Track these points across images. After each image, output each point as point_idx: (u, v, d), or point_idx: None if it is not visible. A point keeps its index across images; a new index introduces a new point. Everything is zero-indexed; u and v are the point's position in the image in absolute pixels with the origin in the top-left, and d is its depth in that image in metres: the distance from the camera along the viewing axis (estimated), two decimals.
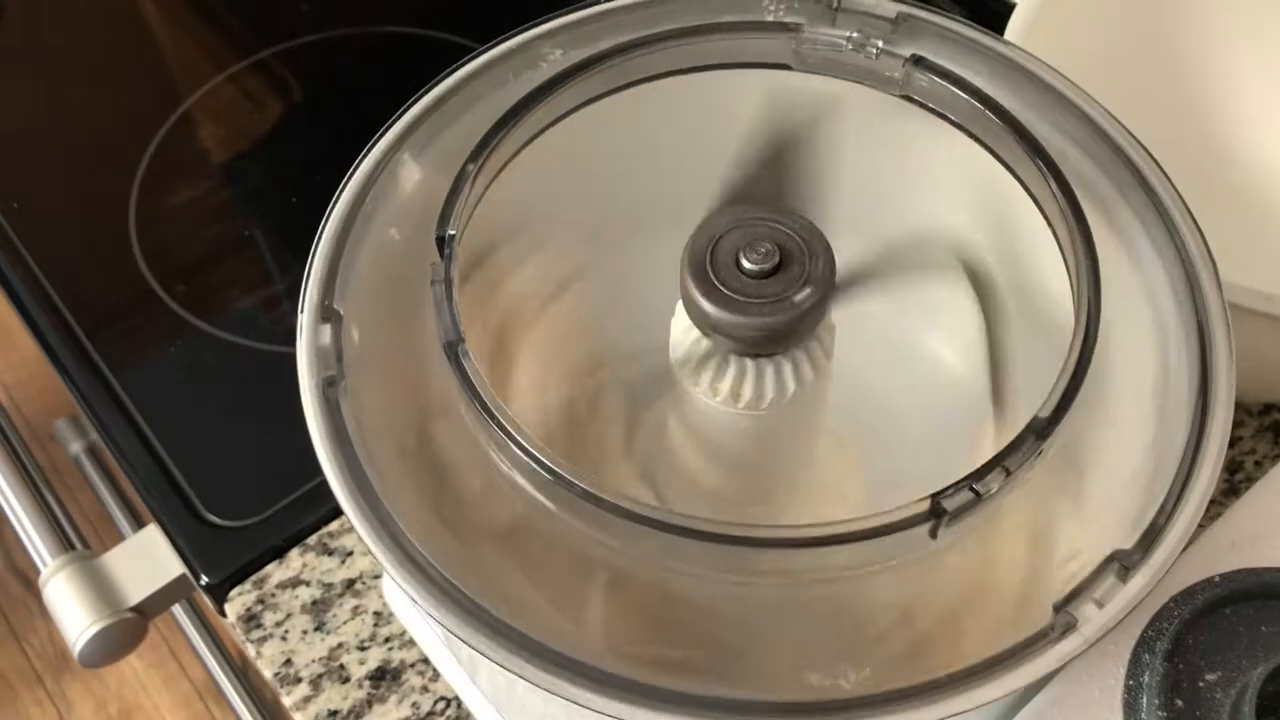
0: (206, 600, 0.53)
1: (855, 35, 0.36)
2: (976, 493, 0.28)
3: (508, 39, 0.37)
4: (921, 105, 0.36)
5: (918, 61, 0.35)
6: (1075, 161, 0.35)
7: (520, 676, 0.28)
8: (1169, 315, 0.33)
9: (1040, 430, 0.29)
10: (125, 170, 0.67)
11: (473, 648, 0.28)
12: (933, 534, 0.28)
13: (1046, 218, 0.34)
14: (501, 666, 0.28)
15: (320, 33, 0.73)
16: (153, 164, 0.68)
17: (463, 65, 0.37)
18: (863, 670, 0.27)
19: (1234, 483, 0.49)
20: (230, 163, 0.70)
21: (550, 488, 0.29)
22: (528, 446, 0.29)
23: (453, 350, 0.30)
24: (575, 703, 0.27)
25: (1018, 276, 0.37)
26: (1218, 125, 0.54)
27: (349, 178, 0.35)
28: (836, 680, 0.27)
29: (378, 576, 0.51)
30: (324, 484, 0.53)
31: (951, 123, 0.36)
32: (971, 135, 0.35)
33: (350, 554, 0.52)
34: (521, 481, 0.30)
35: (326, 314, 0.33)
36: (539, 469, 0.29)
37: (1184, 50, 0.53)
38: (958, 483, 0.28)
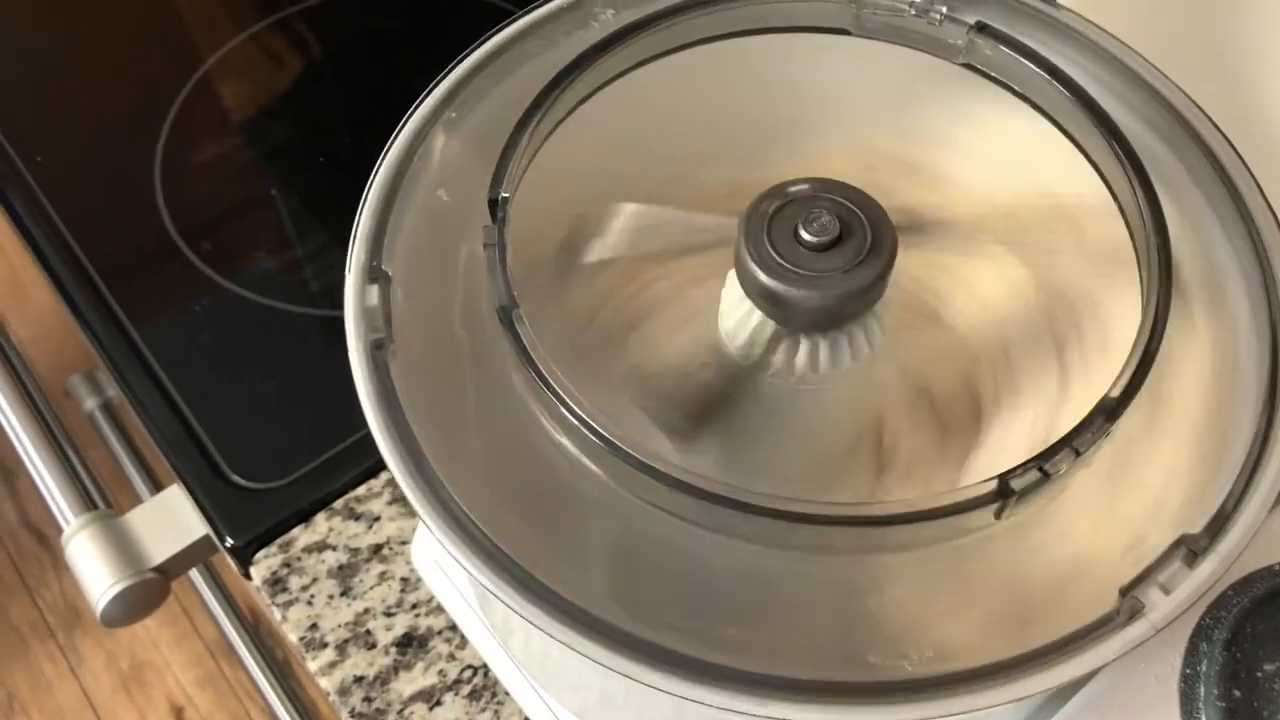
0: (223, 559, 0.53)
1: (918, 1, 0.35)
2: (1045, 472, 0.27)
3: None
4: (984, 74, 0.35)
5: (982, 29, 0.34)
6: (1141, 137, 0.34)
7: (565, 643, 0.27)
8: (1238, 298, 0.32)
9: (1110, 411, 0.28)
10: (151, 126, 0.67)
11: (524, 618, 0.28)
12: (998, 514, 0.27)
13: (1114, 195, 0.33)
14: (553, 637, 0.27)
15: None
16: (178, 120, 0.67)
17: (511, 23, 0.36)
18: (925, 651, 0.27)
19: None
20: (255, 120, 0.69)
21: (604, 457, 0.28)
22: (583, 415, 0.28)
23: (506, 315, 0.30)
24: (626, 676, 0.27)
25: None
26: (1276, 96, 0.53)
27: (396, 135, 0.34)
28: (899, 661, 0.26)
29: (405, 542, 0.51)
30: (351, 448, 0.53)
31: (1015, 93, 0.35)
32: (1036, 107, 0.34)
33: (377, 519, 0.51)
34: (573, 449, 0.29)
35: (374, 274, 0.32)
36: (594, 438, 0.28)
37: (1243, 19, 0.52)
38: (1026, 462, 0.27)
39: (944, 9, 0.35)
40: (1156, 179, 0.32)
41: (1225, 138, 0.34)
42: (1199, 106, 0.34)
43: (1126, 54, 0.35)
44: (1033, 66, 0.34)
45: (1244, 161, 0.33)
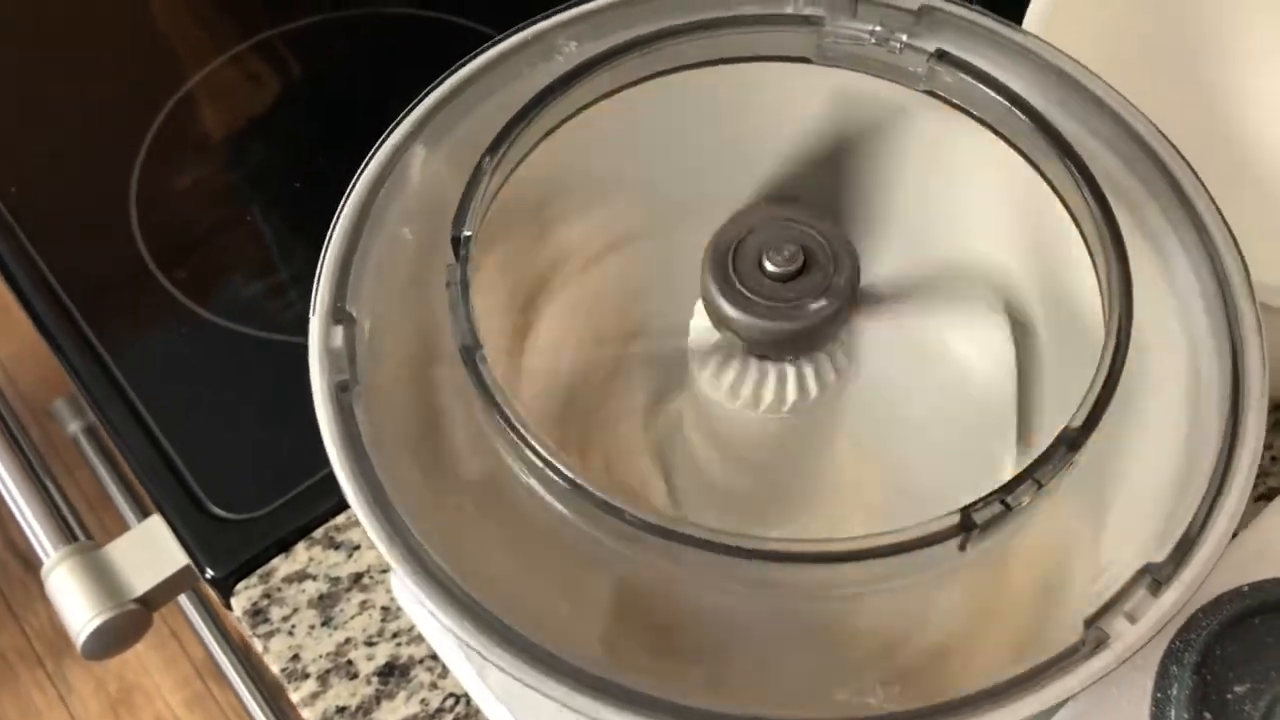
0: (211, 590, 0.53)
1: (878, 29, 0.35)
2: (1007, 505, 0.27)
3: (521, 30, 0.37)
4: (946, 101, 0.35)
5: (941, 56, 0.35)
6: (1103, 161, 0.34)
7: (533, 688, 0.27)
8: (1199, 321, 0.32)
9: (1072, 441, 0.28)
10: (126, 152, 0.66)
11: (487, 658, 0.28)
12: (962, 547, 0.28)
13: (1075, 219, 0.33)
14: (515, 678, 0.27)
15: (324, 14, 0.72)
16: (154, 146, 0.67)
17: (476, 57, 0.36)
18: (891, 687, 0.27)
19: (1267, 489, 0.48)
20: (233, 145, 0.69)
21: (566, 495, 0.28)
22: (544, 454, 0.28)
23: (469, 355, 0.30)
24: (586, 715, 0.27)
25: (1054, 292, 0.36)
26: (1236, 121, 0.53)
27: (360, 173, 0.34)
28: (864, 697, 0.27)
29: (385, 571, 0.50)
30: (329, 478, 0.52)
31: (976, 119, 0.35)
32: (997, 133, 0.34)
33: (357, 548, 0.51)
34: (537, 488, 0.29)
35: (339, 315, 0.32)
36: (555, 476, 0.28)
37: (1202, 43, 0.52)
38: (988, 495, 0.27)
39: (904, 37, 0.35)
40: (1117, 203, 0.32)
41: (1186, 161, 0.34)
42: (1159, 130, 0.34)
43: (1087, 78, 0.35)
44: (991, 92, 0.34)
45: (1204, 185, 0.34)
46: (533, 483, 0.29)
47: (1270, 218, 0.50)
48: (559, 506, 0.29)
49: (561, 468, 0.28)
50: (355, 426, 0.30)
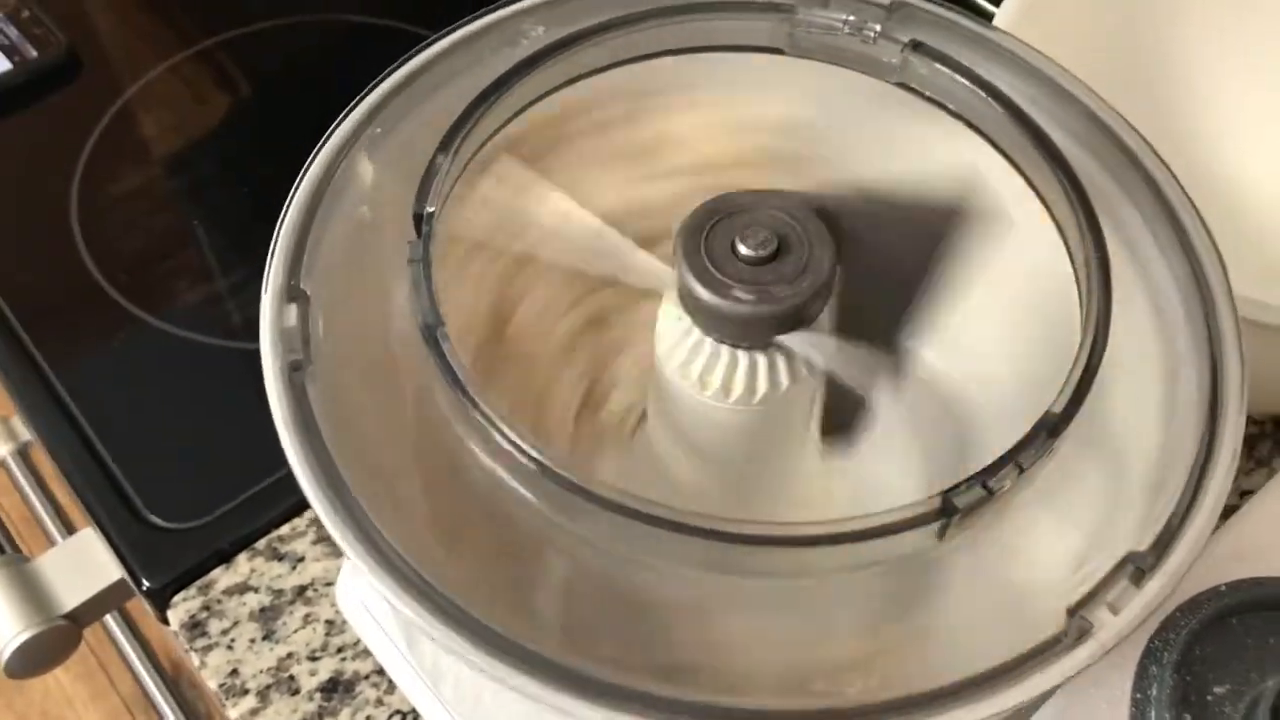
0: (142, 608, 0.50)
1: (851, 19, 0.35)
2: (989, 489, 0.26)
3: (486, 13, 0.36)
4: (918, 94, 0.35)
5: (916, 47, 0.34)
6: (1076, 157, 0.34)
7: (498, 680, 0.26)
8: (1176, 314, 0.32)
9: (1052, 427, 0.27)
10: (67, 160, 0.65)
11: (445, 647, 0.26)
12: (941, 533, 0.27)
13: (1050, 211, 0.32)
14: (476, 668, 0.26)
15: (270, 20, 0.71)
16: (95, 153, 0.65)
17: (439, 40, 0.35)
18: (869, 677, 0.26)
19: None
20: (177, 153, 0.68)
21: (536, 481, 0.27)
22: (508, 434, 0.27)
23: (430, 334, 0.28)
24: (548, 705, 0.25)
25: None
26: (1193, 136, 0.54)
27: (318, 151, 0.33)
28: (842, 687, 0.25)
29: (330, 583, 0.49)
30: (274, 486, 0.51)
31: (950, 112, 0.34)
32: (971, 126, 0.34)
33: (301, 559, 0.49)
34: (503, 474, 0.28)
35: (292, 294, 0.30)
36: (520, 457, 0.27)
37: (1163, 58, 0.53)
38: (968, 479, 0.26)
39: (878, 27, 0.35)
40: (1092, 197, 0.32)
41: (1160, 158, 0.34)
42: (1133, 126, 0.34)
43: (1060, 74, 0.35)
44: (969, 85, 0.33)
45: (1178, 181, 0.33)
46: (495, 466, 0.28)
47: (1236, 224, 0.50)
48: (522, 490, 0.28)
49: (526, 448, 0.27)
50: (308, 408, 0.29)
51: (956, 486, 0.26)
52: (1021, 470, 0.27)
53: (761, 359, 0.32)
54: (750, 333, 0.31)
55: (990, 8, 0.51)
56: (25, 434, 0.90)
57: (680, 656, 0.27)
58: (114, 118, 0.67)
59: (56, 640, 0.52)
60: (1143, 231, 0.33)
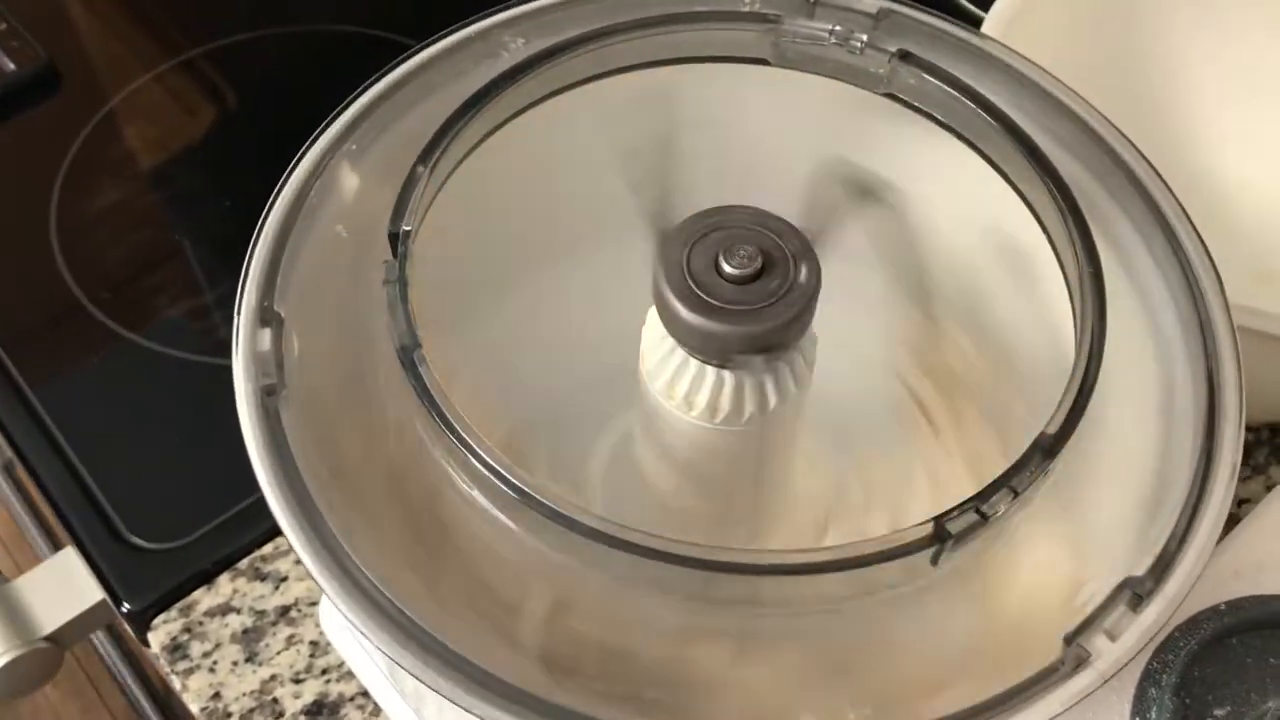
0: (128, 628, 0.49)
1: (838, 29, 0.34)
2: (983, 515, 0.26)
3: (466, 25, 0.35)
4: (908, 105, 0.34)
5: (904, 57, 0.33)
6: (1067, 167, 0.33)
7: (471, 712, 0.25)
8: (1171, 329, 0.31)
9: (1047, 448, 0.27)
10: (46, 174, 0.64)
11: (422, 681, 0.25)
12: (935, 560, 0.26)
13: (1043, 226, 0.32)
14: (456, 704, 0.25)
15: (255, 30, 0.70)
16: (75, 167, 0.64)
17: (418, 52, 0.35)
18: (862, 709, 0.25)
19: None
20: (159, 167, 0.67)
21: (516, 509, 0.26)
22: (489, 460, 0.26)
23: (407, 356, 0.28)
24: None
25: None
26: (1184, 140, 0.53)
27: (293, 168, 0.32)
28: None
29: (314, 604, 0.48)
30: (257, 504, 0.50)
31: (939, 123, 0.34)
32: (961, 137, 0.33)
33: (285, 579, 0.48)
34: (484, 502, 0.27)
35: (266, 317, 0.30)
36: (502, 485, 0.26)
37: (1153, 64, 0.52)
38: (962, 504, 0.26)
39: (864, 37, 0.34)
40: (1085, 209, 0.31)
41: (1151, 165, 0.33)
42: (1124, 135, 0.33)
43: (1050, 83, 0.34)
44: (958, 95, 0.32)
45: (1171, 191, 0.33)
46: (474, 493, 0.27)
47: (1229, 229, 0.50)
48: (502, 518, 0.27)
49: (506, 474, 0.26)
50: (282, 433, 0.28)
51: (950, 512, 0.26)
52: (1016, 494, 0.26)
53: (748, 378, 0.31)
54: (735, 353, 0.30)
55: (979, 13, 0.51)
56: (8, 450, 0.90)
57: (665, 689, 0.26)
58: (94, 130, 0.66)
59: (38, 662, 0.51)
60: (1135, 241, 0.33)
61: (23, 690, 0.53)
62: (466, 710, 0.25)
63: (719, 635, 0.26)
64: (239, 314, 0.30)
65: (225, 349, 0.55)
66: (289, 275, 0.31)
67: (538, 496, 0.26)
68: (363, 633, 0.26)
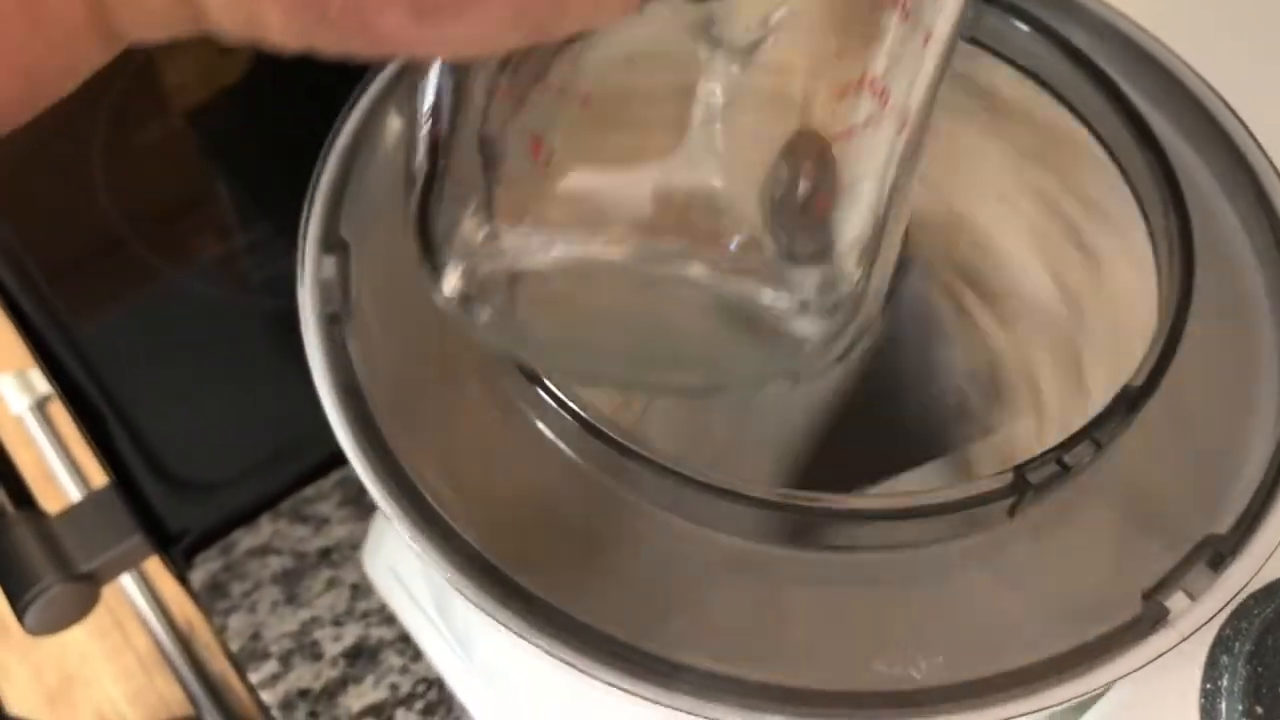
0: (155, 566, 0.49)
1: None
2: (1064, 465, 0.25)
3: None
4: (990, 50, 0.33)
5: (989, 0, 0.32)
6: (1154, 120, 0.32)
7: (545, 650, 0.24)
8: (1256, 289, 0.30)
9: (1132, 400, 0.26)
10: (89, 111, 0.63)
11: (483, 610, 0.25)
12: (1012, 511, 0.25)
13: (1126, 175, 0.31)
14: (523, 638, 0.25)
15: None
16: (118, 104, 0.64)
17: None
18: (935, 658, 0.24)
19: None
20: (202, 105, 0.66)
21: (589, 446, 0.26)
22: (567, 402, 0.26)
23: None
24: (610, 685, 0.24)
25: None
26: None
27: (358, 94, 0.31)
28: (906, 669, 0.24)
29: (355, 547, 0.47)
30: (298, 445, 0.50)
31: (1021, 69, 0.33)
32: (1045, 85, 0.32)
33: (326, 522, 0.48)
34: (547, 432, 0.27)
35: (331, 243, 0.29)
36: (569, 418, 0.26)
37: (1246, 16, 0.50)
38: (1043, 453, 0.25)
39: None
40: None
41: (1243, 123, 0.32)
42: (1214, 89, 0.32)
43: (1137, 32, 0.33)
44: (1045, 40, 0.32)
45: (1262, 148, 0.32)
46: (540, 424, 0.27)
47: None
48: (570, 452, 0.27)
49: (589, 419, 0.25)
50: (348, 361, 0.28)
51: (1030, 461, 0.25)
52: (1099, 446, 0.25)
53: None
54: None
55: None
56: (43, 388, 0.90)
57: (737, 631, 0.25)
58: (137, 70, 0.66)
59: (75, 598, 0.51)
60: (1222, 200, 0.32)
61: (57, 626, 0.53)
62: (533, 644, 0.24)
63: (792, 578, 0.26)
64: (303, 240, 0.29)
65: (265, 289, 0.55)
66: (352, 205, 0.30)
67: (605, 430, 0.25)
68: (427, 561, 0.25)
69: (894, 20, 0.21)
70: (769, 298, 0.23)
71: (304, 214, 0.30)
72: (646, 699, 0.23)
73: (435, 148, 0.23)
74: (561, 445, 0.27)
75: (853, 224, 0.23)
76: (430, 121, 0.23)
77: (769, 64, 0.22)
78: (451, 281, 0.24)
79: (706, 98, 0.22)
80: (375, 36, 0.17)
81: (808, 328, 0.24)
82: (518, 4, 0.17)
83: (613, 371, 0.26)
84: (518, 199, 0.23)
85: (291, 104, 0.64)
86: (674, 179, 0.22)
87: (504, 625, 0.25)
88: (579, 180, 0.23)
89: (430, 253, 0.24)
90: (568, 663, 0.24)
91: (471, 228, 0.23)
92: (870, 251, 0.23)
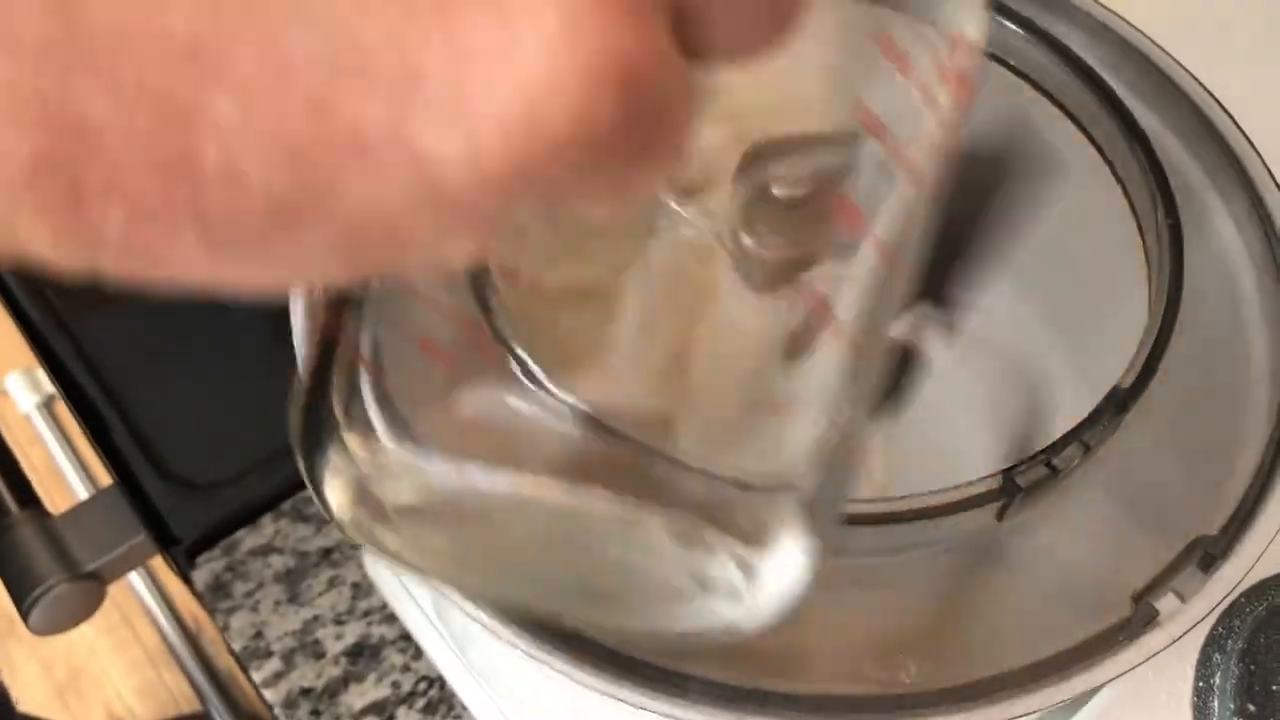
0: (164, 564, 0.50)
1: None
2: (1053, 467, 0.25)
3: None
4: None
5: None
6: (1146, 120, 0.32)
7: (545, 663, 0.25)
8: (1249, 289, 0.30)
9: (1121, 402, 0.26)
10: None
11: (482, 624, 0.25)
12: (1001, 514, 0.25)
13: (1118, 178, 0.31)
14: (513, 644, 0.25)
15: None
16: None
17: None
18: (925, 662, 0.24)
19: None
20: None
21: (575, 423, 0.26)
22: (543, 381, 0.26)
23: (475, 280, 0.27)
24: (605, 692, 0.24)
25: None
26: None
27: None
28: (895, 673, 0.24)
29: (356, 546, 0.48)
30: None
31: (1014, 70, 0.33)
32: (1038, 88, 0.32)
33: (327, 521, 0.48)
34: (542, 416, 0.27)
35: None
36: (560, 403, 0.26)
37: (1239, 17, 0.50)
38: (1032, 456, 0.25)
39: None
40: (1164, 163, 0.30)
41: (1237, 124, 0.32)
42: (1208, 90, 0.32)
43: (1130, 32, 0.33)
44: (1035, 41, 0.32)
45: (1257, 150, 0.32)
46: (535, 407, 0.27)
47: None
48: (562, 427, 0.27)
49: (562, 396, 0.25)
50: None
51: (1019, 465, 0.25)
52: (1088, 449, 0.25)
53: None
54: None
55: None
56: (50, 386, 0.90)
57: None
58: None
59: (81, 597, 0.51)
60: (1215, 200, 0.32)
61: (64, 625, 0.53)
62: (521, 650, 0.24)
63: None
64: None
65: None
66: None
67: (592, 415, 0.25)
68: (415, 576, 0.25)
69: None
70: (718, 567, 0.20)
71: None
72: (639, 706, 0.23)
73: (324, 353, 0.21)
74: (555, 423, 0.27)
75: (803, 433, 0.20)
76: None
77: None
78: (338, 500, 0.21)
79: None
80: (165, 270, 0.14)
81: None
82: (344, 236, 0.13)
83: (537, 603, 0.22)
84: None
85: None
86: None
87: (491, 630, 0.25)
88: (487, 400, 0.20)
89: (312, 469, 0.21)
90: (561, 670, 0.24)
91: (355, 443, 0.21)
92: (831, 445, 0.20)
